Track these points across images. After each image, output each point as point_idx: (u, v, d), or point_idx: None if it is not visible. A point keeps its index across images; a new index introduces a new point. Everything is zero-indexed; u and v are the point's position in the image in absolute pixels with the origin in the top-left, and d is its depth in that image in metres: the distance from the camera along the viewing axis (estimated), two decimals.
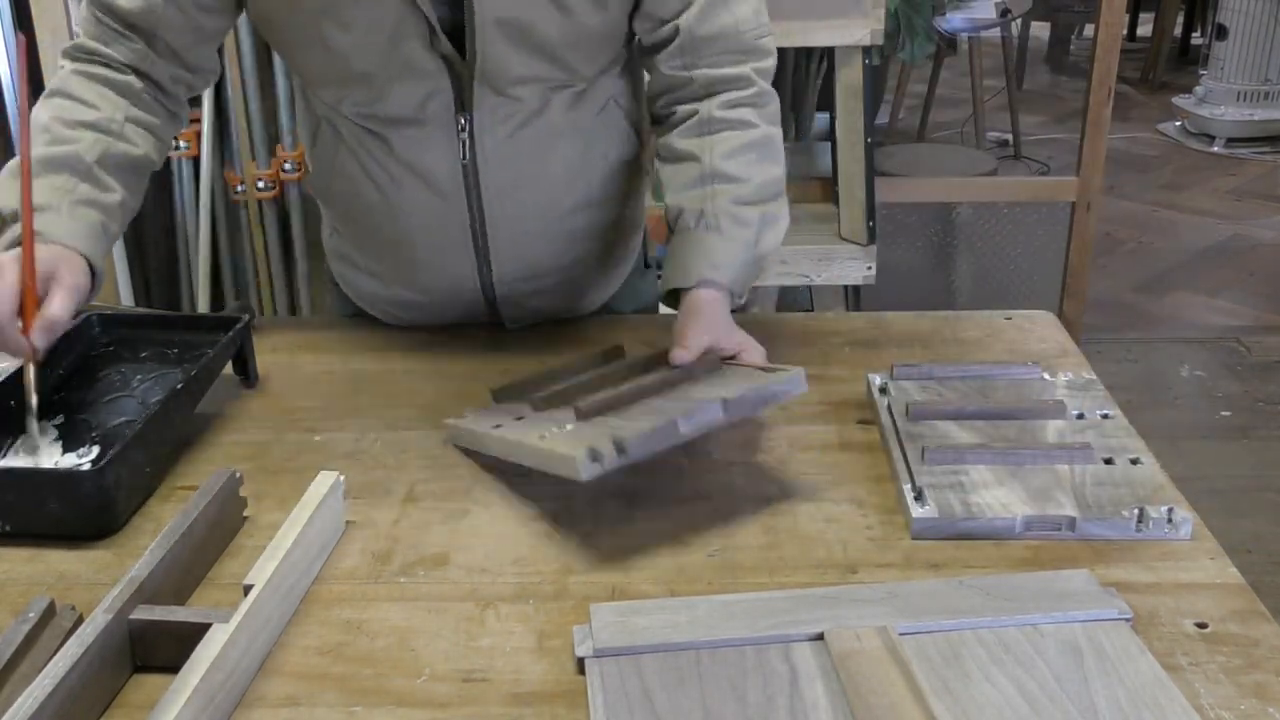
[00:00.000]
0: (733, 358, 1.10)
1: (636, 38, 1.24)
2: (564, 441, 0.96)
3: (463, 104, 1.18)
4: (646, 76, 1.29)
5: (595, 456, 0.90)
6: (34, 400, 1.05)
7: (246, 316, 1.22)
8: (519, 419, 1.09)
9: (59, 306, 1.03)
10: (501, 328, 1.35)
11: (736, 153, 1.20)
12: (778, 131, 1.24)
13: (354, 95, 1.18)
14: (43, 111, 1.16)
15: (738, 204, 1.19)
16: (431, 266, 1.28)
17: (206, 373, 1.15)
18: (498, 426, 1.08)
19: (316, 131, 1.27)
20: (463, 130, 1.19)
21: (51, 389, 1.15)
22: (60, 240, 1.08)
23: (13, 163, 1.10)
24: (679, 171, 1.22)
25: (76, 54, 1.19)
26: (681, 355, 1.09)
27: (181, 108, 1.26)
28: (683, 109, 1.23)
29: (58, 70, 1.20)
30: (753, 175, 1.20)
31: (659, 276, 1.27)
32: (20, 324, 1.02)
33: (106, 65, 1.18)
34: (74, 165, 1.12)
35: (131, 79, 1.19)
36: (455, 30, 1.14)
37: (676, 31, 1.19)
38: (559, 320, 1.36)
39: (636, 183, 1.35)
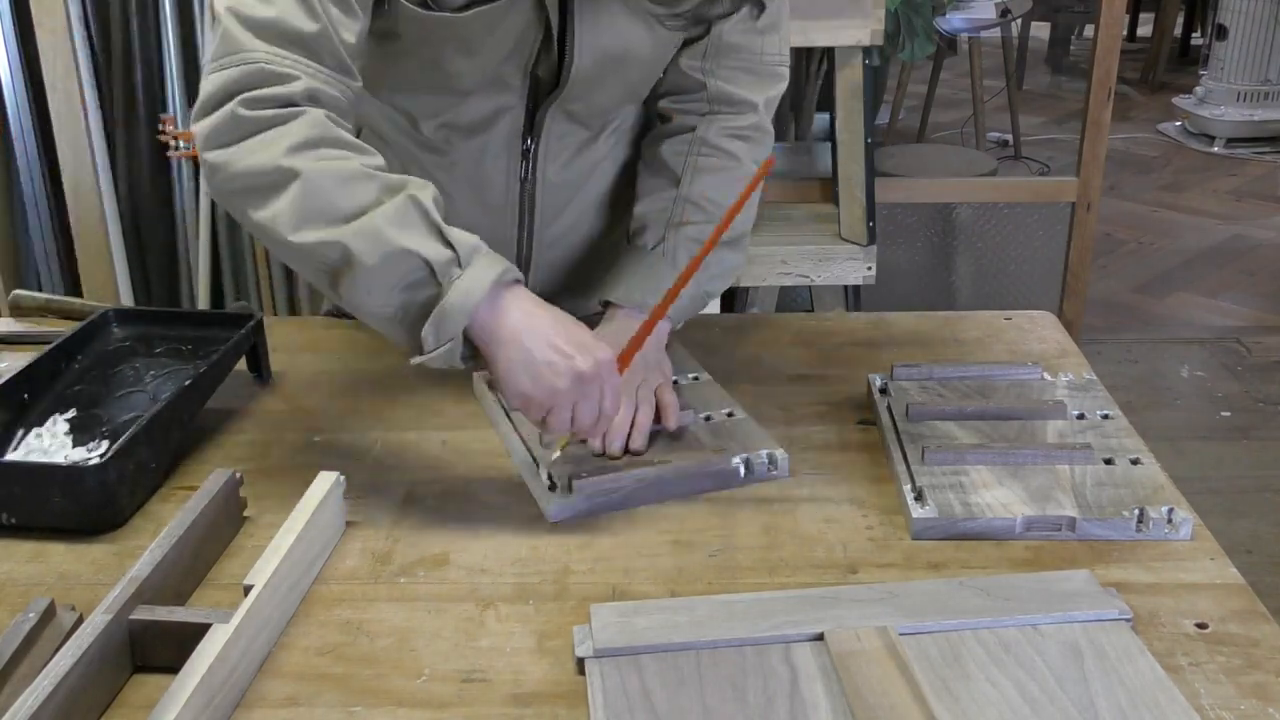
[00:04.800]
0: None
1: None
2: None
3: (531, 124, 1.17)
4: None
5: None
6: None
7: (259, 314, 1.23)
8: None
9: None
10: None
11: (714, 186, 1.21)
12: (755, 167, 1.24)
13: (438, 104, 1.16)
14: (344, 162, 0.97)
15: (697, 242, 1.19)
16: None
17: (215, 370, 1.15)
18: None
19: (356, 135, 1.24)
20: (528, 150, 1.19)
21: (67, 383, 1.16)
22: (519, 275, 1.00)
23: (393, 206, 0.95)
24: (656, 185, 1.23)
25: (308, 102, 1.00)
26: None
27: None
28: (679, 121, 1.25)
29: (295, 116, 0.97)
30: (719, 213, 1.20)
31: None
32: None
33: (339, 115, 1.02)
34: (443, 209, 1.00)
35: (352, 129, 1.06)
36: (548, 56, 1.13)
37: (707, 31, 1.20)
38: None
39: None
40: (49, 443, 1.08)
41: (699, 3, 1.14)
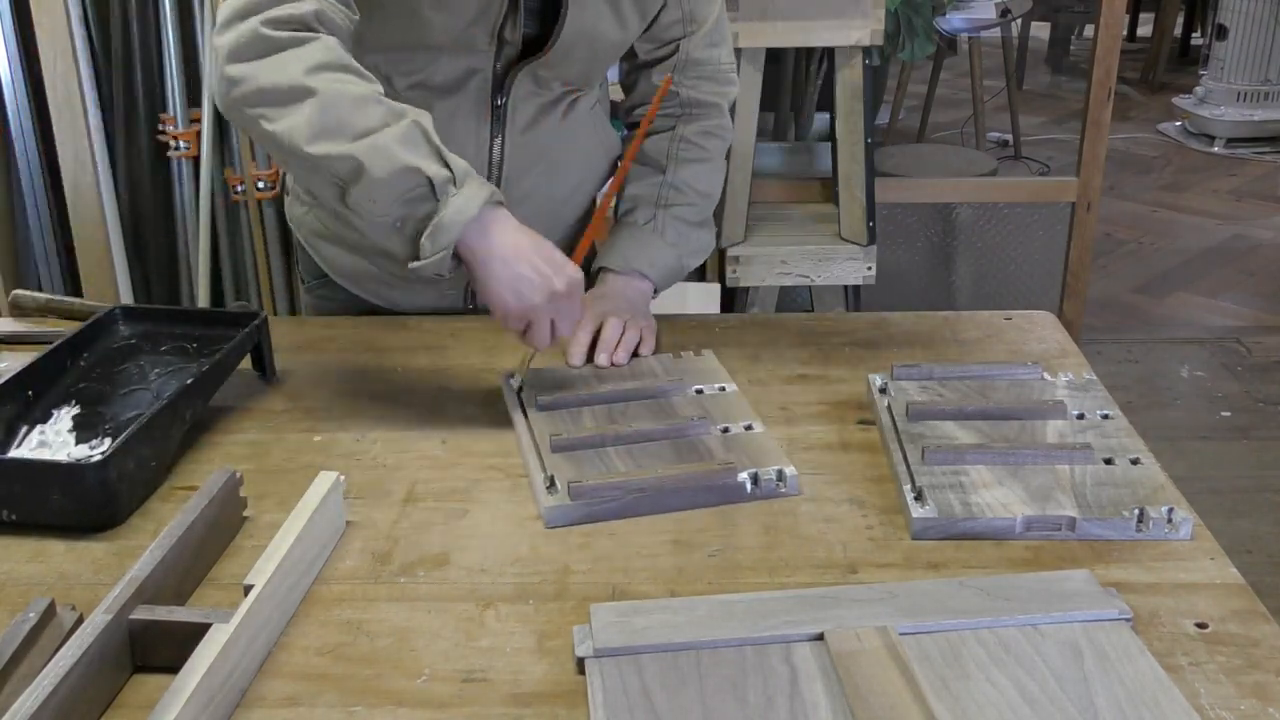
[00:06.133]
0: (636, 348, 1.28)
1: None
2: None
3: (501, 84, 1.27)
4: (622, 86, 1.45)
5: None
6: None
7: (263, 313, 1.23)
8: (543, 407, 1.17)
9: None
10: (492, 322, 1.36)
11: (694, 175, 1.40)
12: (722, 162, 1.45)
13: (412, 63, 1.25)
14: (356, 86, 1.08)
15: (683, 221, 1.39)
16: None
17: (218, 369, 1.15)
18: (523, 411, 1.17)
19: None
20: (498, 108, 1.28)
21: (72, 380, 1.16)
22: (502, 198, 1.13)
23: (400, 129, 1.07)
24: (644, 172, 1.41)
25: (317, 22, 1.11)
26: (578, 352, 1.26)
27: None
28: (658, 124, 1.41)
29: (311, 40, 1.09)
30: (698, 200, 1.40)
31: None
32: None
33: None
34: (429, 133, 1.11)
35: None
36: (524, 28, 1.24)
37: (676, 50, 1.37)
38: None
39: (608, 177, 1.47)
40: (52, 439, 1.08)
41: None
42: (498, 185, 1.31)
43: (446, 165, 1.07)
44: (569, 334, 1.17)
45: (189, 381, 1.10)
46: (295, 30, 1.08)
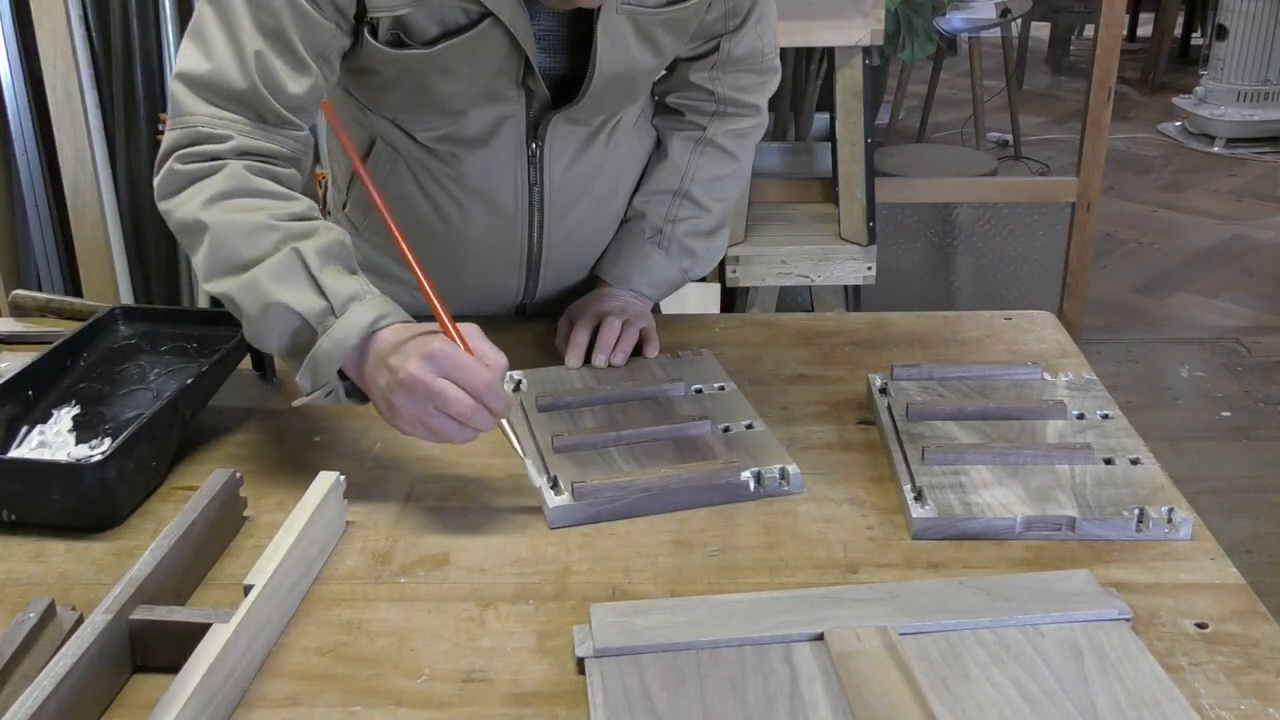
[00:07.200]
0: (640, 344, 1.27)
1: None
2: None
3: (535, 130, 1.21)
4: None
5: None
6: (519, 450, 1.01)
7: None
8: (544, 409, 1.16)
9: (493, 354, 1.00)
10: (504, 325, 1.36)
11: (712, 182, 1.34)
12: (750, 160, 1.40)
13: (431, 122, 1.20)
14: (251, 214, 1.02)
15: (691, 235, 1.34)
16: (480, 282, 1.31)
17: (218, 369, 1.15)
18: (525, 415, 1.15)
19: (369, 150, 1.25)
20: (534, 155, 1.23)
21: (72, 380, 1.16)
22: (403, 318, 1.02)
23: (277, 260, 1.00)
24: (661, 172, 1.35)
25: (237, 157, 1.06)
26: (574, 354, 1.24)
27: None
28: (691, 118, 1.35)
29: (217, 170, 1.04)
30: (714, 206, 1.35)
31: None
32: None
33: (271, 164, 1.07)
34: (342, 254, 1.04)
35: (294, 173, 1.10)
36: (554, 71, 1.18)
37: (716, 48, 1.30)
38: None
39: None
40: (52, 439, 1.08)
41: (709, 23, 1.25)
42: (540, 232, 1.27)
43: (323, 295, 0.99)
44: (463, 406, 0.95)
45: (189, 381, 1.10)
46: (206, 161, 1.04)
